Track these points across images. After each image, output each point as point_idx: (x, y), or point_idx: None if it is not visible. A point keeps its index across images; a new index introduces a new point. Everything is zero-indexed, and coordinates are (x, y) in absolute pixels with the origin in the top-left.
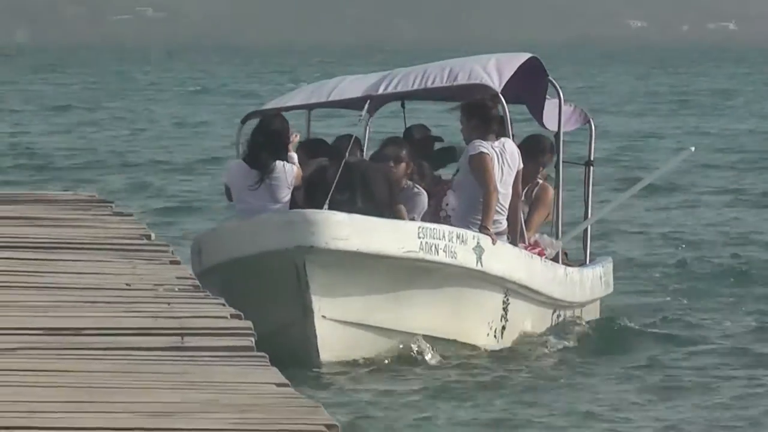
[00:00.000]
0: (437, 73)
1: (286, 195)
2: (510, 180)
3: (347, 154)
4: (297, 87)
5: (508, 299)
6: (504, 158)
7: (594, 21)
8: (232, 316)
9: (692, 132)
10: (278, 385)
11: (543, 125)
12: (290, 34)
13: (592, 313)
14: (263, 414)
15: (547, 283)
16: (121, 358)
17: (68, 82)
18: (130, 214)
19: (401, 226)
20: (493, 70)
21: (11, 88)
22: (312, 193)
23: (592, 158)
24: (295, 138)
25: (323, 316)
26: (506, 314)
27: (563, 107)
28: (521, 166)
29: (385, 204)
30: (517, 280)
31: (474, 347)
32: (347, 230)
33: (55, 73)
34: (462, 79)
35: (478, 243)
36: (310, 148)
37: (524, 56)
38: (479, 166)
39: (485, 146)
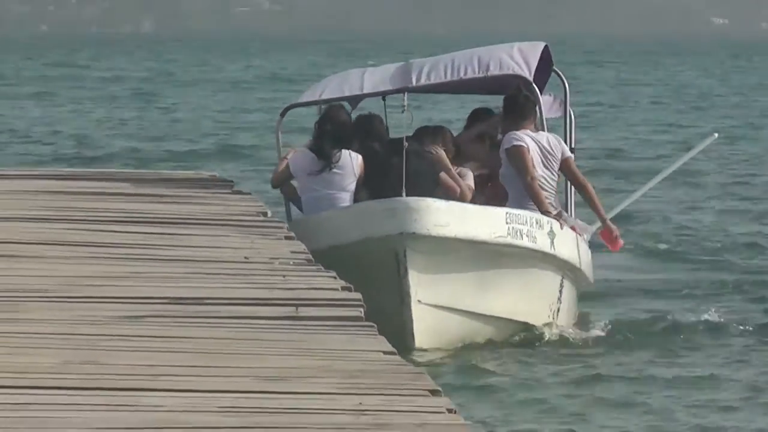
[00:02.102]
0: (467, 64)
1: (352, 183)
2: (554, 164)
3: (405, 141)
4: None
5: (563, 281)
6: (541, 144)
7: (679, 18)
8: (343, 288)
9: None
10: (385, 352)
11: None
12: (405, 24)
13: None
14: (371, 379)
15: (588, 265)
16: (240, 326)
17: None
18: (249, 193)
19: (492, 212)
20: (521, 59)
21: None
22: (371, 179)
23: (573, 146)
24: None
25: (419, 301)
26: (561, 296)
27: (545, 97)
28: (568, 154)
29: (434, 189)
30: (574, 262)
31: (538, 329)
32: (447, 217)
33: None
34: (494, 70)
35: (551, 227)
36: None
37: (541, 44)
38: (515, 158)
39: (518, 137)
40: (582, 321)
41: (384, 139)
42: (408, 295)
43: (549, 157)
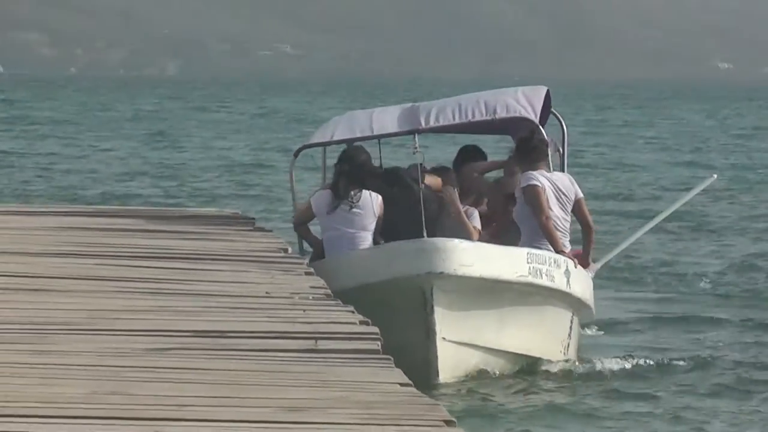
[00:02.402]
0: (474, 107)
1: (372, 222)
2: (568, 205)
3: (422, 183)
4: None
5: (573, 317)
6: (556, 186)
7: (688, 63)
8: (361, 322)
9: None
10: (402, 384)
11: None
12: (420, 67)
13: None
14: (388, 410)
15: (593, 301)
16: (261, 358)
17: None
18: (270, 230)
19: (514, 253)
20: (526, 103)
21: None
22: (391, 222)
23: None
24: None
25: (443, 338)
26: (571, 331)
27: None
28: (580, 195)
29: (444, 228)
30: (585, 299)
31: (550, 363)
32: (472, 257)
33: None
34: (501, 113)
35: (567, 266)
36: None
37: (543, 89)
38: (531, 197)
39: (535, 177)
40: (588, 353)
41: (404, 183)
42: (434, 333)
43: (563, 197)
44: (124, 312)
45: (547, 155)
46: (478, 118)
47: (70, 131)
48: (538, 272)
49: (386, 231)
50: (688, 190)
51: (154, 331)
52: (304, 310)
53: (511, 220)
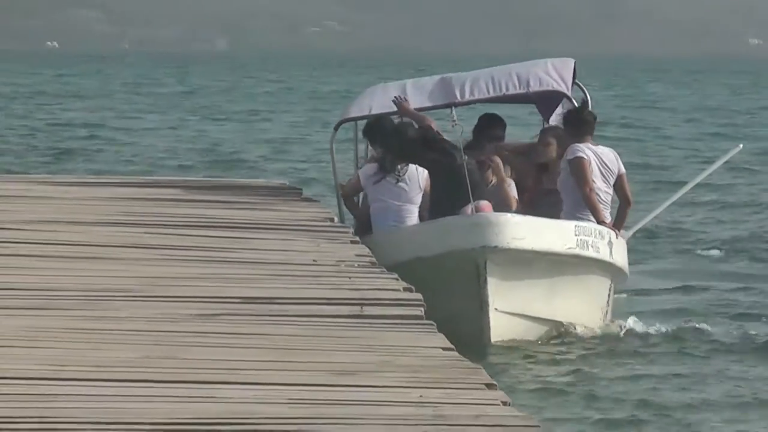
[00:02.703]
0: (508, 80)
1: (417, 195)
2: (610, 179)
3: (464, 154)
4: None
5: (611, 285)
6: (601, 159)
7: (720, 39)
8: (405, 289)
9: None
10: (444, 349)
11: (547, 121)
12: (466, 44)
13: None
14: (431, 374)
15: (627, 267)
16: (308, 323)
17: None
18: (317, 200)
19: (562, 225)
20: (557, 75)
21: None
22: (437, 192)
23: None
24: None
25: (496, 309)
26: (609, 299)
27: (559, 108)
28: (623, 170)
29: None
30: (623, 268)
31: (592, 330)
32: (524, 231)
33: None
34: (534, 86)
35: (610, 237)
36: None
37: (571, 61)
38: (577, 169)
39: (581, 149)
40: (621, 317)
41: (445, 149)
42: (486, 304)
43: (606, 170)
44: (175, 279)
45: (593, 129)
46: (512, 91)
47: (121, 107)
48: (585, 244)
49: (432, 201)
50: (712, 161)
51: (204, 297)
52: (350, 278)
53: (544, 190)
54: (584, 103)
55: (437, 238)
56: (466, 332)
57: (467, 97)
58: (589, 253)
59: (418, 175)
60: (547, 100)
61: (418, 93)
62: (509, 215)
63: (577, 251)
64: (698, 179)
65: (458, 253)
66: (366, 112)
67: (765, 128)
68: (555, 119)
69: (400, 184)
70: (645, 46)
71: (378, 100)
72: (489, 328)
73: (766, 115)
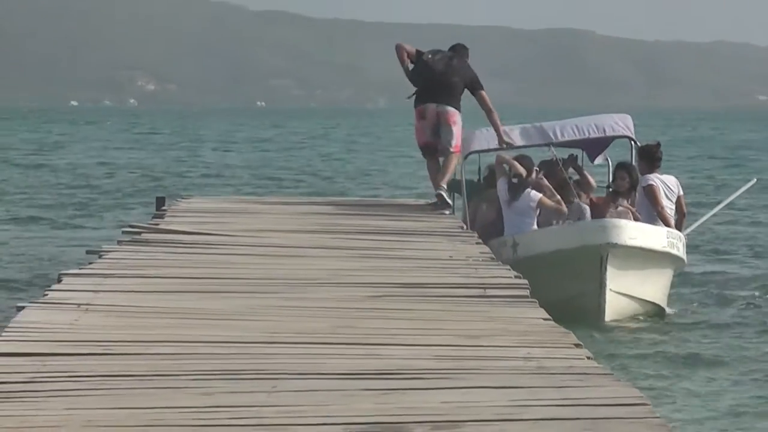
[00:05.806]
0: (589, 127)
1: (535, 213)
2: (672, 198)
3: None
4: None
5: (673, 274)
6: (666, 184)
7: (736, 96)
8: (515, 276)
9: None
10: (544, 319)
11: (592, 162)
12: (529, 98)
13: None
14: (534, 337)
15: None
16: (446, 302)
17: None
18: (452, 213)
19: (659, 230)
20: (623, 125)
21: None
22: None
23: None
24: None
25: (610, 289)
26: (669, 285)
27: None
28: (681, 192)
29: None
30: (686, 261)
31: (664, 309)
32: (636, 232)
33: None
34: (610, 132)
35: (681, 239)
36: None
37: (628, 116)
38: (650, 194)
39: (652, 178)
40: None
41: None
42: (604, 285)
43: (670, 192)
44: (351, 270)
45: (660, 162)
46: (593, 135)
47: (318, 144)
48: (672, 244)
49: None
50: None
51: (372, 283)
52: (476, 269)
53: (616, 212)
54: (657, 144)
55: (575, 235)
56: (587, 307)
57: (560, 138)
58: (673, 251)
59: (530, 198)
60: (595, 146)
61: (520, 135)
62: (625, 221)
63: (668, 249)
64: (715, 210)
65: (590, 247)
66: (485, 147)
67: None
68: (599, 160)
69: (521, 205)
70: (681, 103)
71: (492, 141)
72: (605, 302)
73: None
